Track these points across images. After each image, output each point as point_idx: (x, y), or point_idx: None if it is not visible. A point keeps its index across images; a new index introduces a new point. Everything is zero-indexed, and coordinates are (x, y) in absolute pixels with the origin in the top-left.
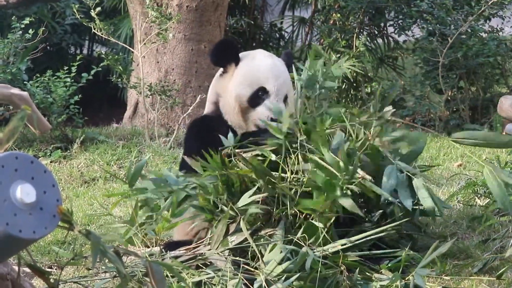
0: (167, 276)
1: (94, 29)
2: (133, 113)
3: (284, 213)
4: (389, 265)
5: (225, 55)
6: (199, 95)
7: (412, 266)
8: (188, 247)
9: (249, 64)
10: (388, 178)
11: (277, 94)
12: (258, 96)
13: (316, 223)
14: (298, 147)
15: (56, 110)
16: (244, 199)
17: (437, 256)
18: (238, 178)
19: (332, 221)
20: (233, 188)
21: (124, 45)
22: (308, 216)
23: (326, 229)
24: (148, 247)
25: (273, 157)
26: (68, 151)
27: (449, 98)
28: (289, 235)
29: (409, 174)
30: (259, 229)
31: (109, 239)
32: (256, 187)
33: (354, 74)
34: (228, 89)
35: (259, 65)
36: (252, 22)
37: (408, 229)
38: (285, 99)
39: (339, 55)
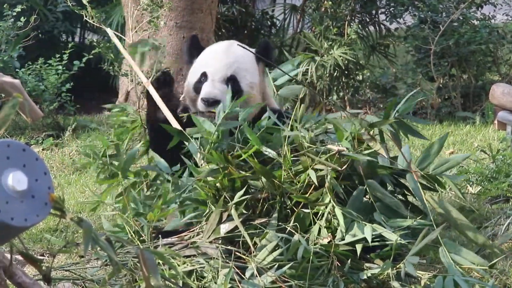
0: (159, 264)
1: (86, 16)
2: (124, 100)
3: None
4: (380, 253)
5: (191, 51)
6: None
7: (403, 254)
8: (180, 235)
9: (202, 54)
10: (354, 200)
11: (214, 76)
12: (200, 82)
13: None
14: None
15: (48, 98)
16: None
17: (428, 244)
18: (239, 178)
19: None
20: (235, 184)
21: (115, 32)
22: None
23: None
24: (140, 235)
25: (273, 154)
26: (60, 138)
27: (440, 85)
28: (281, 224)
29: (374, 203)
30: (251, 218)
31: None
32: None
33: (346, 61)
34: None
35: (206, 52)
36: (244, 10)
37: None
38: (231, 81)
39: (330, 42)
